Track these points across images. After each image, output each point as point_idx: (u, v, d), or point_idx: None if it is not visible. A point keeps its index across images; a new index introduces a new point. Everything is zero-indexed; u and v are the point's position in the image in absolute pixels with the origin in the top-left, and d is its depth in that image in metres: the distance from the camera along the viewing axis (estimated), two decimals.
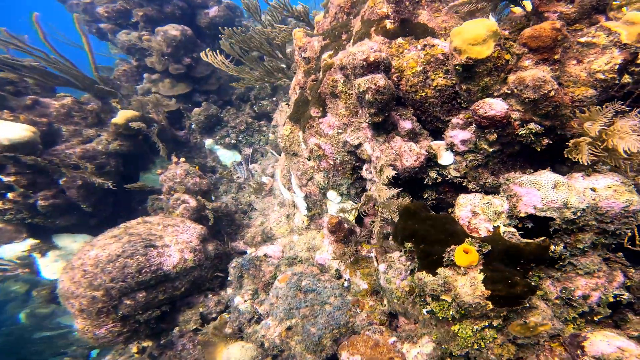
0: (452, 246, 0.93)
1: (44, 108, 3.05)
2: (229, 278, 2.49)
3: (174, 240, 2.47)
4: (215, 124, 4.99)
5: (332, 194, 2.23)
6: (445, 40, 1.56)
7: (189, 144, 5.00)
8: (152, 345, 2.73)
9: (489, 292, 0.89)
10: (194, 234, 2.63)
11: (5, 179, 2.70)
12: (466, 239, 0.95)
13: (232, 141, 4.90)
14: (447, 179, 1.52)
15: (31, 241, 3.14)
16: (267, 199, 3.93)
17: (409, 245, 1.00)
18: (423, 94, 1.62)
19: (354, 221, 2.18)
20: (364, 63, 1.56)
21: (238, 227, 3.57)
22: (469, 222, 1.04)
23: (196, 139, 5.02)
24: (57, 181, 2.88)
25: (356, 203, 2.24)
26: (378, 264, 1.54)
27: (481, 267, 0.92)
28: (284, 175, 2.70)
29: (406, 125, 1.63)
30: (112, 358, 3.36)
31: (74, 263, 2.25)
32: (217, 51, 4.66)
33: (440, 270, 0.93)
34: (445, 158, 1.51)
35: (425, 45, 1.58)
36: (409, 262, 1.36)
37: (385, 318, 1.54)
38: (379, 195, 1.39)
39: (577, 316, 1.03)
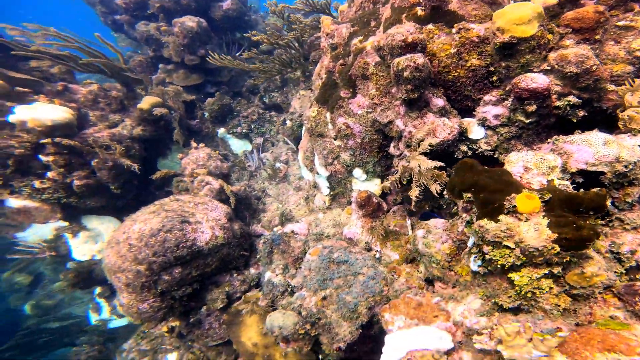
0: (513, 195, 1.00)
1: (72, 94, 3.05)
2: (257, 255, 2.54)
3: (205, 217, 2.52)
4: (227, 113, 5.00)
5: (358, 172, 2.30)
6: (480, 24, 1.64)
7: (202, 133, 5.00)
8: (180, 325, 2.77)
9: (555, 235, 0.93)
10: (222, 212, 2.68)
11: (44, 158, 2.70)
12: (523, 190, 1.03)
13: (244, 130, 4.92)
14: (477, 152, 1.61)
15: (61, 223, 3.13)
16: (281, 185, 3.99)
17: (467, 195, 1.07)
18: (455, 74, 1.70)
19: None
20: (402, 44, 1.63)
21: (254, 212, 3.63)
22: (520, 177, 1.11)
23: (208, 128, 5.03)
24: (89, 162, 2.89)
25: (381, 180, 2.32)
26: (415, 230, 1.62)
27: (543, 214, 0.98)
28: (306, 157, 2.76)
29: (439, 102, 1.71)
30: (133, 342, 3.39)
31: (118, 237, 2.28)
32: (231, 45, 4.67)
33: (501, 217, 1.00)
34: (476, 132, 1.59)
35: (460, 29, 1.66)
36: (450, 222, 1.41)
37: (423, 283, 1.62)
38: (420, 165, 1.47)
39: (624, 271, 1.10)
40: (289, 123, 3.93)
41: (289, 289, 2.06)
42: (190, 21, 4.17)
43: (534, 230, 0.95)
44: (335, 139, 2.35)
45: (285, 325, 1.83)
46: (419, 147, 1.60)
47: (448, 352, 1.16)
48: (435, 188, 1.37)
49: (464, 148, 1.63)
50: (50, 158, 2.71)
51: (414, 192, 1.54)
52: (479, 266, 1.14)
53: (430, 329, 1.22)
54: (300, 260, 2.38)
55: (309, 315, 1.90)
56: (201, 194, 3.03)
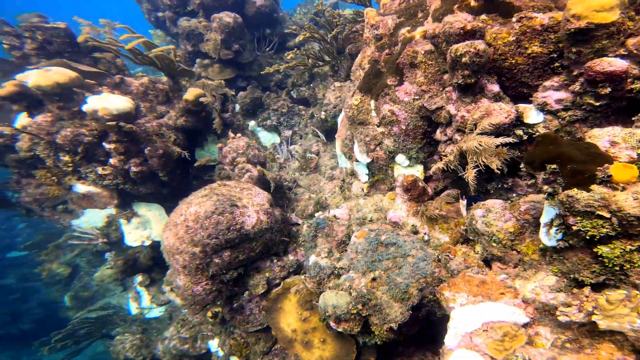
0: (606, 165, 1.01)
1: (127, 86, 3.20)
2: (294, 242, 2.60)
3: (250, 202, 2.60)
4: (257, 107, 5.10)
5: (400, 158, 2.33)
6: (544, 13, 1.64)
7: (233, 125, 5.12)
8: (223, 310, 2.84)
9: None
10: (264, 198, 2.76)
11: (107, 146, 2.86)
12: (614, 161, 1.03)
13: (273, 123, 5.01)
14: (533, 136, 1.61)
15: (112, 210, 3.31)
16: (312, 175, 4.05)
17: (552, 167, 1.08)
18: (512, 61, 1.71)
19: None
20: (461, 31, 1.64)
21: (289, 201, 3.70)
22: (606, 151, 1.12)
23: (239, 121, 5.14)
24: (142, 150, 3.03)
25: (423, 166, 2.33)
26: (470, 211, 1.64)
27: None
28: (345, 145, 2.80)
29: (494, 88, 1.72)
30: (174, 330, 3.50)
31: (176, 220, 2.39)
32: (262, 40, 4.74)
33: (594, 187, 1.01)
34: (534, 117, 1.59)
35: (521, 18, 1.67)
36: (508, 202, 1.38)
37: (481, 263, 1.64)
38: (480, 143, 1.49)
39: None
40: (322, 115, 3.97)
41: (336, 271, 2.12)
42: (227, 17, 4.27)
43: (633, 199, 0.95)
44: (378, 126, 2.38)
45: (338, 304, 1.88)
46: (475, 129, 1.62)
47: (525, 326, 1.18)
48: (496, 164, 1.39)
49: (519, 132, 1.63)
50: (112, 146, 2.86)
51: (471, 174, 1.56)
52: (558, 240, 1.15)
53: (500, 304, 1.24)
54: (343, 244, 2.43)
55: (359, 296, 1.94)
56: (242, 181, 3.13)
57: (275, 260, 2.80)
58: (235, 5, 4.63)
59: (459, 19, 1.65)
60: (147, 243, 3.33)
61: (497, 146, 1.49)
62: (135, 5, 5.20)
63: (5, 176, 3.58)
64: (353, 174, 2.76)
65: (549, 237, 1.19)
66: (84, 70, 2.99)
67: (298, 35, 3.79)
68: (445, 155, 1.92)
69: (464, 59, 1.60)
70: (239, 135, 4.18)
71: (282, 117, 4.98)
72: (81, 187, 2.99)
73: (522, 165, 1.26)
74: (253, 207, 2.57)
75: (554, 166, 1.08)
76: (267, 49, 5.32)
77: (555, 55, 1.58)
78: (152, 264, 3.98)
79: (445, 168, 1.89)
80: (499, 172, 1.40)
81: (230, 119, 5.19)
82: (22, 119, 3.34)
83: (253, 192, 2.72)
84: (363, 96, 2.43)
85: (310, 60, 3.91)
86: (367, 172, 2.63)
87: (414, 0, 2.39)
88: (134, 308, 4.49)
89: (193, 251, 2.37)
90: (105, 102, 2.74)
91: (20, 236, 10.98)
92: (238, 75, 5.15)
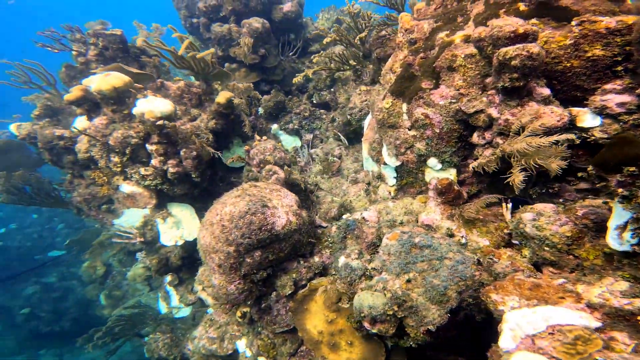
0: None
1: (166, 89, 3.34)
2: (320, 244, 2.59)
3: (280, 203, 2.62)
4: (280, 110, 5.18)
5: (433, 161, 2.28)
6: (610, 17, 1.58)
7: (256, 128, 5.22)
8: (251, 310, 2.86)
9: None
10: (292, 199, 2.78)
11: (150, 147, 2.99)
12: None
13: (295, 127, 5.06)
14: (588, 140, 1.54)
15: (147, 210, 3.44)
16: (334, 179, 4.04)
17: (630, 169, 1.03)
18: (567, 64, 1.66)
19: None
20: (511, 34, 1.61)
21: (312, 203, 3.70)
22: None
23: (262, 124, 5.23)
24: (178, 152, 3.14)
25: (457, 170, 2.27)
26: (517, 214, 1.58)
27: None
28: (372, 148, 2.78)
29: (544, 91, 1.66)
30: (202, 329, 3.55)
31: (212, 219, 2.46)
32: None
33: None
34: (589, 121, 1.52)
35: (583, 22, 1.62)
36: (560, 206, 1.34)
37: (531, 266, 1.58)
38: (529, 144, 1.43)
39: None
40: (347, 117, 3.97)
41: (368, 273, 2.09)
42: (256, 22, 4.38)
43: None
44: (409, 129, 2.35)
45: (375, 305, 1.86)
46: (521, 132, 1.56)
47: (597, 330, 1.11)
48: (556, 165, 1.33)
49: (571, 136, 1.56)
50: (154, 147, 2.99)
51: (519, 177, 1.50)
52: (633, 245, 1.08)
53: (563, 308, 1.18)
54: (373, 246, 2.40)
55: (394, 298, 1.91)
56: (269, 182, 3.17)
57: (302, 262, 2.80)
58: (264, 11, 4.73)
59: (510, 23, 1.61)
60: (180, 243, 3.44)
61: (551, 145, 1.42)
62: (171, 13, 5.42)
63: (58, 177, 3.83)
64: (380, 177, 2.74)
65: (620, 242, 1.12)
66: (135, 72, 3.15)
67: (325, 38, 3.81)
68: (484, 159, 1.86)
69: (513, 62, 1.56)
70: (264, 138, 4.25)
71: (303, 121, 5.03)
72: (126, 187, 3.13)
73: (589, 168, 1.20)
74: (283, 208, 2.60)
75: (632, 168, 1.02)
76: (291, 54, 5.40)
77: (620, 59, 1.53)
78: (181, 264, 4.10)
79: (481, 171, 1.83)
80: (560, 173, 1.34)
81: (253, 122, 5.30)
82: (80, 122, 3.55)
83: (282, 193, 2.75)
84: (394, 99, 2.41)
85: (333, 64, 3.92)
86: (395, 176, 2.60)
87: (453, 5, 2.36)
88: (163, 307, 4.62)
89: (228, 250, 2.42)
90: (151, 105, 2.86)
91: (59, 236, 11.65)
92: (262, 79, 5.26)
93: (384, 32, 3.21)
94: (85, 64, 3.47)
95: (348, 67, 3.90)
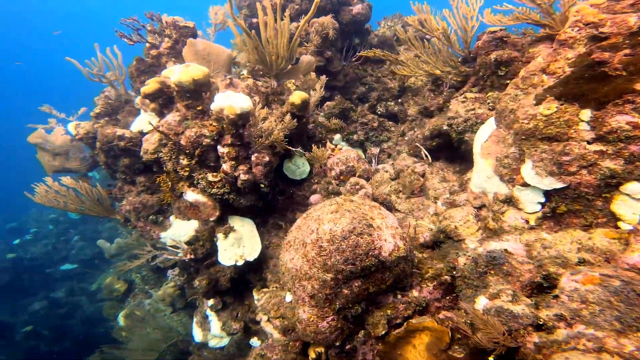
0: None
1: (234, 87, 3.31)
2: (455, 274, 2.25)
3: (384, 223, 2.34)
4: (344, 119, 5.06)
5: (635, 187, 1.91)
6: None
7: (315, 137, 5.12)
8: (329, 352, 2.55)
9: None
10: (394, 219, 2.50)
11: (221, 150, 2.88)
12: None
13: (360, 138, 4.89)
14: None
15: (196, 224, 3.29)
16: (416, 199, 3.73)
17: None
18: None
19: None
20: None
21: None
22: None
23: (322, 133, 5.12)
24: (249, 156, 3.01)
25: None
26: None
27: None
28: (503, 165, 2.47)
29: None
30: None
31: (304, 238, 2.22)
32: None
33: None
34: None
35: None
36: None
37: None
38: None
39: None
40: (431, 131, 3.73)
41: (538, 322, 1.71)
42: (327, 22, 4.41)
43: None
44: (591, 143, 2.04)
45: None
46: None
47: None
48: None
49: None
50: (226, 150, 2.87)
51: None
52: None
53: None
54: (532, 287, 1.99)
55: None
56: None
57: (399, 296, 2.48)
58: (332, 11, 4.79)
59: None
60: (240, 263, 3.21)
61: None
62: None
63: (101, 183, 3.83)
64: (509, 201, 2.40)
65: None
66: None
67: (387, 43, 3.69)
68: None
69: None
70: (339, 146, 4.09)
71: (370, 132, 4.86)
72: (191, 195, 3.00)
73: None
74: (388, 230, 2.32)
75: None
76: (354, 60, 5.39)
77: None
78: (230, 286, 3.86)
79: None
80: None
81: (313, 130, 5.22)
82: (140, 122, 3.58)
83: (382, 211, 2.49)
84: (562, 104, 2.14)
85: (424, 67, 3.77)
86: (543, 201, 2.25)
87: None
88: (198, 334, 4.37)
89: (324, 278, 2.14)
90: (231, 100, 2.79)
91: (73, 249, 11.99)
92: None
93: (500, 34, 3.04)
94: (156, 58, 3.55)
95: (442, 73, 3.71)
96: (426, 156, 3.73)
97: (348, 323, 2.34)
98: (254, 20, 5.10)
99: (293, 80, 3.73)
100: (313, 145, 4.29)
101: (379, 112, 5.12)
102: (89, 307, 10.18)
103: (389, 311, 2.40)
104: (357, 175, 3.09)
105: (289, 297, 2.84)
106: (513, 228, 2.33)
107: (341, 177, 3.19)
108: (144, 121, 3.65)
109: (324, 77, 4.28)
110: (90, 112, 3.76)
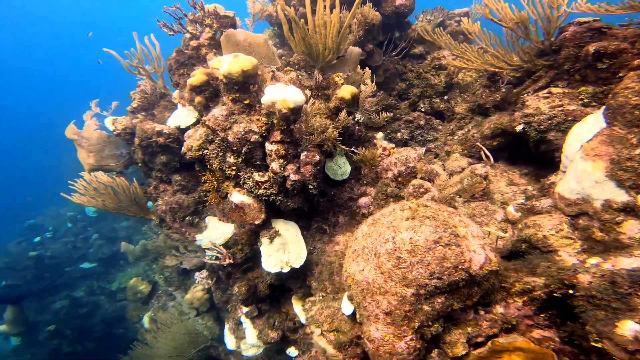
0: None
1: (276, 80, 3.12)
2: (575, 292, 1.92)
3: (468, 232, 2.06)
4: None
5: None
6: None
7: (354, 136, 4.86)
8: None
9: None
10: (478, 228, 2.20)
11: (269, 147, 2.67)
12: None
13: (404, 137, 4.60)
14: None
15: (232, 227, 3.08)
16: (477, 203, 3.40)
17: None
18: None
19: None
20: None
21: None
22: None
23: (361, 132, 4.86)
24: (298, 155, 2.78)
25: None
26: None
27: None
28: (625, 169, 2.12)
29: None
30: None
31: (377, 247, 1.97)
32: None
33: None
34: None
35: None
36: None
37: None
38: None
39: None
40: (492, 129, 3.41)
41: None
42: (371, 12, 4.17)
43: None
44: None
45: None
46: None
47: None
48: None
49: None
50: (274, 147, 2.66)
51: None
52: None
53: None
54: None
55: None
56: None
57: (481, 312, 2.19)
58: (373, 2, 4.53)
59: None
60: (286, 270, 2.98)
61: None
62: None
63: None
64: (629, 209, 2.06)
65: None
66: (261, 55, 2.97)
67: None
68: None
69: None
70: (391, 145, 3.83)
71: (416, 131, 4.57)
72: (237, 196, 2.79)
73: None
74: (475, 240, 2.03)
75: None
76: (394, 54, 5.11)
77: None
78: (268, 293, 3.65)
79: None
80: None
81: (352, 128, 4.97)
82: (177, 117, 3.42)
83: (464, 219, 2.20)
84: None
85: (490, 61, 3.45)
86: None
87: None
88: (231, 341, 4.19)
89: (403, 293, 1.88)
90: (285, 93, 2.57)
91: (92, 247, 12.13)
92: None
93: (597, 24, 2.71)
94: (195, 49, 3.38)
95: (513, 68, 3.37)
96: (487, 157, 3.41)
97: (424, 342, 2.07)
98: (301, 9, 4.89)
99: (341, 74, 3.48)
100: (359, 145, 4.05)
101: (423, 110, 4.82)
102: (108, 307, 10.24)
103: (469, 329, 2.13)
104: (419, 177, 2.81)
105: (346, 309, 2.58)
106: (635, 241, 1.99)
107: (399, 179, 2.91)
108: (182, 116, 3.49)
109: (367, 70, 4.03)
110: (127, 107, 3.63)
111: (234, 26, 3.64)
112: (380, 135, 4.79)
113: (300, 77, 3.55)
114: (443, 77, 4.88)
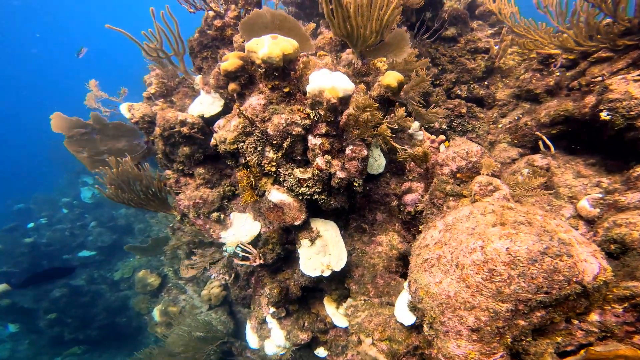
0: None
1: (312, 66, 2.76)
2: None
3: (572, 238, 1.80)
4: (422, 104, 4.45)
5: None
6: None
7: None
8: None
9: None
10: (578, 232, 1.94)
11: (313, 141, 2.36)
12: None
13: (442, 127, 4.29)
14: None
15: (258, 225, 2.81)
16: (536, 198, 3.15)
17: None
18: None
19: None
20: None
21: None
22: None
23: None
24: (343, 149, 2.48)
25: None
26: None
27: None
28: None
29: None
30: None
31: (461, 259, 1.71)
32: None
33: None
34: None
35: None
36: None
37: None
38: None
39: None
40: (551, 116, 3.12)
41: None
42: None
43: None
44: None
45: None
46: None
47: None
48: None
49: None
50: (319, 141, 2.35)
51: None
52: None
53: None
54: None
55: None
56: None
57: (575, 321, 1.98)
58: None
59: None
60: (327, 273, 2.73)
61: None
62: None
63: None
64: None
65: None
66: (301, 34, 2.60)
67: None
68: None
69: None
70: (440, 137, 3.54)
71: (455, 120, 4.25)
72: (276, 195, 2.50)
73: None
74: (582, 247, 1.77)
75: None
76: (426, 37, 4.72)
77: None
78: (300, 294, 3.44)
79: None
80: None
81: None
82: (197, 105, 3.07)
83: (562, 222, 1.93)
84: None
85: (559, 41, 3.09)
86: None
87: None
88: (254, 340, 4.01)
89: (497, 309, 1.64)
90: (334, 81, 2.25)
91: (91, 235, 11.83)
92: None
93: None
94: (220, 30, 2.99)
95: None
96: (547, 147, 3.14)
97: (511, 358, 1.87)
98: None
99: (383, 59, 3.13)
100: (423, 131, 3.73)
101: (461, 96, 4.49)
102: (110, 295, 10.09)
103: (559, 338, 1.92)
104: (483, 173, 2.53)
105: (405, 319, 2.37)
106: None
107: (458, 175, 2.63)
108: (206, 104, 3.14)
109: (426, 60, 3.66)
110: (143, 93, 3.26)
111: (259, 5, 3.23)
112: (416, 125, 4.47)
113: (335, 62, 3.19)
114: (481, 60, 4.52)
